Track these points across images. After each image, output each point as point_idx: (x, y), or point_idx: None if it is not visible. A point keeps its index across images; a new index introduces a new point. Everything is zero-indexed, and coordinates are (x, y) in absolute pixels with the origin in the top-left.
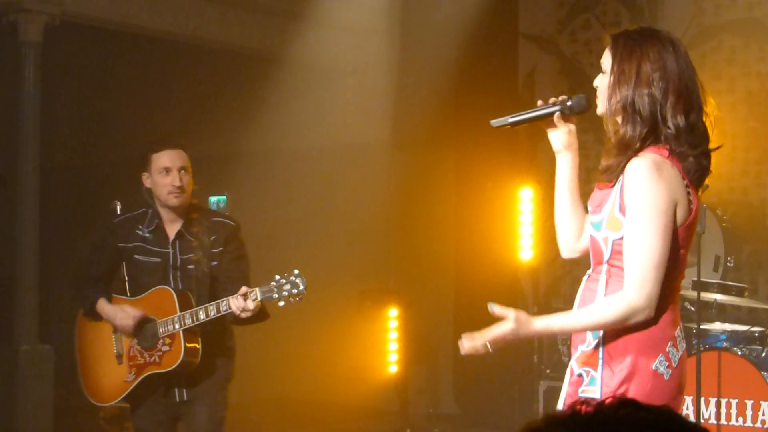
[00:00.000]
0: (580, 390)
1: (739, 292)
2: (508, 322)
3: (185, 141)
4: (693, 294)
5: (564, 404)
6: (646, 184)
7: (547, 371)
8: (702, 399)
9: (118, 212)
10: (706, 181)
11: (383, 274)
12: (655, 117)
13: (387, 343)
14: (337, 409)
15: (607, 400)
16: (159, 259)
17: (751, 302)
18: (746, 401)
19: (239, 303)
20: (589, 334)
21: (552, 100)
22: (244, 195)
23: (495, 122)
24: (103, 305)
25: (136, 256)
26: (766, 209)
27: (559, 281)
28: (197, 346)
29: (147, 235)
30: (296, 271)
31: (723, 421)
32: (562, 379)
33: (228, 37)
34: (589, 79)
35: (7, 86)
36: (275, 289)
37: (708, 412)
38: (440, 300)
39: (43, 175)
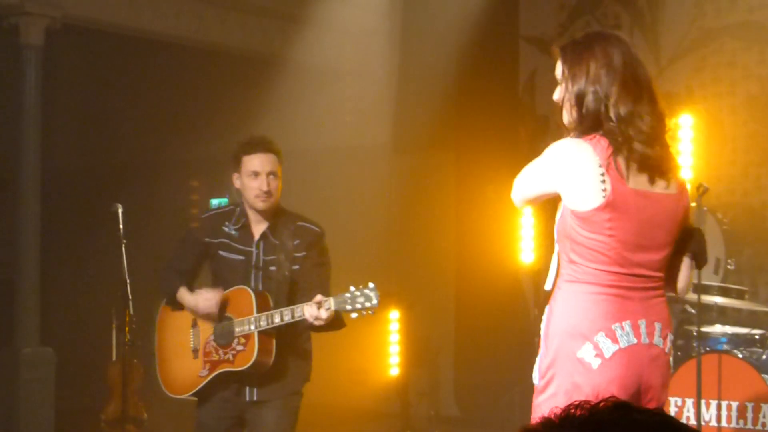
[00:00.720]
0: (533, 373)
1: (739, 295)
2: None
3: (278, 146)
4: (694, 297)
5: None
6: (542, 155)
7: None
8: (703, 401)
9: (120, 214)
10: (706, 183)
11: (384, 277)
12: (598, 111)
13: (388, 346)
14: (338, 412)
15: (602, 403)
16: (242, 258)
17: (752, 305)
18: (747, 404)
19: (313, 311)
20: (544, 317)
21: None
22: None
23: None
24: (183, 294)
25: (220, 252)
26: (767, 212)
27: None
28: (271, 348)
29: (233, 232)
30: (371, 285)
31: (724, 423)
32: None
33: (229, 40)
34: None
35: (9, 89)
36: (349, 300)
37: (709, 415)
38: (441, 302)
39: (45, 178)
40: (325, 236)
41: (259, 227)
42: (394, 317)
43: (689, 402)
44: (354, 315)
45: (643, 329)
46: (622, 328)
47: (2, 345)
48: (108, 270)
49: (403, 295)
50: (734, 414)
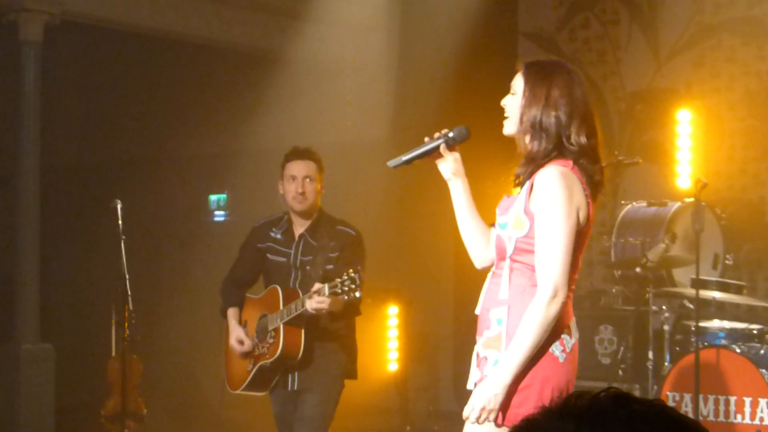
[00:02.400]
0: (485, 370)
1: (737, 290)
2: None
3: (317, 155)
4: (692, 291)
5: (474, 385)
6: (556, 191)
7: None
8: (701, 396)
9: (119, 211)
10: (704, 178)
11: (383, 272)
12: (559, 136)
13: (387, 341)
14: (338, 407)
15: (601, 394)
16: (284, 259)
17: (750, 300)
18: (744, 398)
19: (311, 302)
20: (493, 320)
21: (436, 134)
22: (245, 193)
23: (391, 163)
24: (230, 316)
25: (268, 256)
26: (765, 207)
27: None
28: (298, 339)
29: (279, 236)
30: (351, 270)
31: (722, 418)
32: None
33: (228, 36)
34: (588, 77)
35: (8, 86)
36: (339, 285)
37: (707, 410)
38: (440, 298)
39: (44, 175)
40: (362, 240)
41: (299, 230)
42: (393, 312)
43: (687, 397)
44: (345, 297)
45: (576, 324)
46: (574, 324)
47: (2, 341)
48: (107, 266)
49: (402, 290)
50: (732, 409)
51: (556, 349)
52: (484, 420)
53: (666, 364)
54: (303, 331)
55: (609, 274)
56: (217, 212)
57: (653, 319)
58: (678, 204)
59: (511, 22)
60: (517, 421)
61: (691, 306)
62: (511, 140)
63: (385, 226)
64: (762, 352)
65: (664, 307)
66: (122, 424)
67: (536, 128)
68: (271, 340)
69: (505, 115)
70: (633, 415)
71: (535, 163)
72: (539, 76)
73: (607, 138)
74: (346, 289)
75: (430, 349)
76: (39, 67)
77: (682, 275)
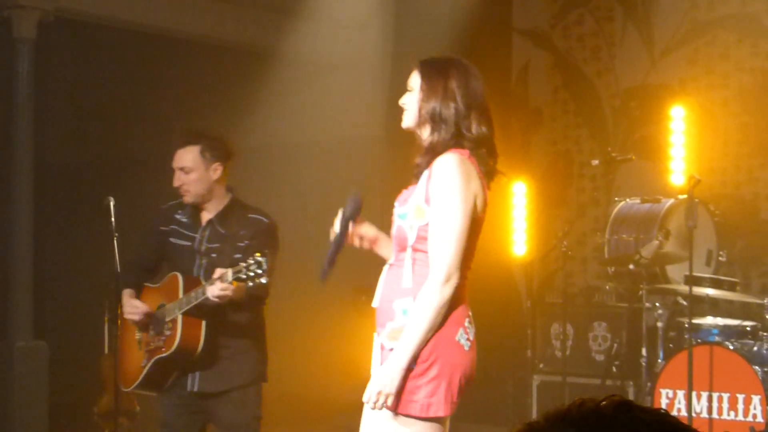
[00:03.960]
0: None
1: (731, 287)
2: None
3: (204, 136)
4: (685, 288)
5: None
6: (452, 176)
7: (541, 366)
8: (694, 393)
9: (112, 208)
10: (698, 175)
11: (377, 270)
12: (458, 126)
13: None
14: (331, 404)
15: (603, 401)
16: (188, 243)
17: (744, 296)
18: (738, 395)
19: (213, 289)
20: (398, 311)
21: (335, 222)
22: (239, 190)
23: (321, 276)
24: (124, 296)
25: (171, 239)
26: (759, 204)
27: (552, 276)
28: (197, 332)
29: (184, 220)
30: (258, 254)
31: (715, 415)
32: (555, 374)
33: (222, 33)
34: (582, 74)
35: (1, 82)
36: (244, 270)
37: (700, 406)
38: None
39: (38, 172)
40: (276, 228)
41: (207, 216)
42: None
43: (680, 393)
44: (250, 284)
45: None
46: (470, 313)
47: None
48: (100, 264)
49: None
50: (725, 405)
51: (461, 337)
52: (382, 405)
53: (659, 360)
54: (204, 323)
55: (602, 271)
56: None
57: (647, 316)
58: (671, 200)
59: (506, 18)
60: (430, 411)
61: (685, 303)
62: (506, 134)
63: (380, 223)
64: (755, 349)
65: (657, 304)
66: (115, 422)
67: (435, 119)
68: (168, 332)
69: (405, 109)
70: (634, 422)
71: (434, 152)
72: (435, 71)
73: (601, 134)
74: (252, 274)
75: None
76: (32, 64)
77: (676, 272)
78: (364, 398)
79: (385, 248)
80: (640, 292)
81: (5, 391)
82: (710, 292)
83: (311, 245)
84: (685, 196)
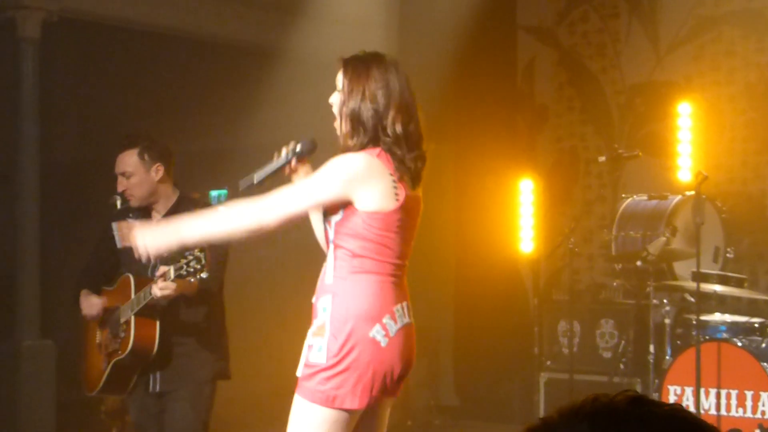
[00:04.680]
0: (311, 357)
1: (738, 283)
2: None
3: (141, 139)
4: (693, 285)
5: (300, 370)
6: (328, 167)
7: (548, 363)
8: (702, 390)
9: (118, 206)
10: (705, 172)
11: None
12: (376, 128)
13: None
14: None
15: (618, 396)
16: None
17: (751, 293)
18: (746, 392)
19: (155, 289)
20: (320, 309)
21: (284, 150)
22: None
23: (241, 183)
24: (81, 296)
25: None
26: (766, 200)
27: (559, 272)
28: (151, 332)
29: (136, 221)
30: (197, 249)
31: (723, 411)
32: (563, 371)
33: (226, 32)
34: (588, 70)
35: (6, 83)
36: (184, 266)
37: (708, 403)
38: (441, 292)
39: (43, 171)
40: None
41: (157, 216)
42: None
43: (689, 390)
44: (191, 279)
45: (407, 309)
46: (401, 309)
47: (3, 338)
48: None
49: None
50: (733, 402)
51: (377, 333)
52: (145, 255)
53: (667, 357)
54: (157, 323)
55: (609, 268)
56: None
57: (654, 313)
58: (678, 197)
59: (510, 16)
60: (335, 402)
61: (692, 299)
62: (512, 132)
63: None
64: (763, 345)
65: (665, 301)
66: (122, 420)
67: (355, 122)
68: (122, 334)
69: (334, 111)
70: (649, 416)
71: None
72: (357, 71)
73: (607, 131)
74: (191, 270)
75: (431, 344)
76: (37, 64)
77: (683, 268)
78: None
79: None
80: (648, 289)
81: (13, 389)
82: (718, 288)
83: (317, 242)
84: (692, 192)
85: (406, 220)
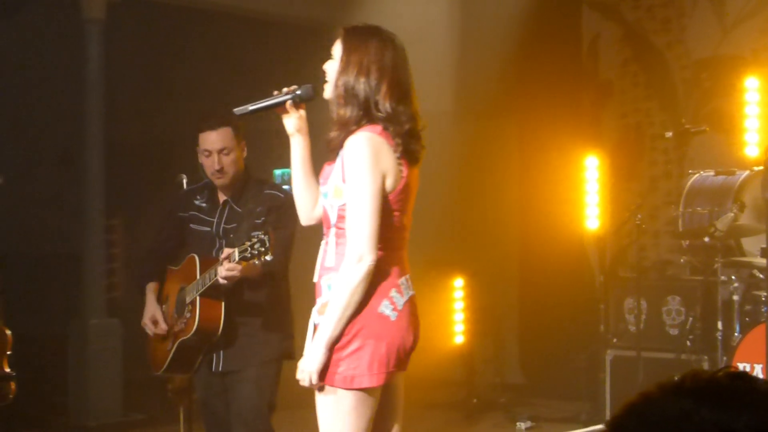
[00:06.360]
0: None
1: None
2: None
3: (232, 116)
4: (762, 261)
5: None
6: (361, 157)
7: (614, 340)
8: None
9: (184, 186)
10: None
11: (448, 244)
12: (368, 102)
13: (453, 314)
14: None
15: (719, 372)
16: (208, 228)
17: None
18: None
19: (221, 270)
20: (324, 287)
21: (285, 90)
22: None
23: (237, 110)
24: (147, 291)
25: (191, 225)
26: None
27: (625, 250)
28: (216, 312)
29: (203, 205)
30: (261, 232)
31: None
32: (629, 348)
33: (290, 10)
34: (652, 46)
35: (71, 64)
36: (248, 248)
37: None
38: (505, 269)
39: (108, 152)
40: (293, 202)
41: (223, 197)
42: (458, 285)
43: (758, 367)
44: (256, 262)
45: (409, 281)
46: (405, 282)
47: (72, 317)
48: None
49: (467, 262)
50: None
51: (385, 308)
52: (308, 382)
53: (735, 334)
54: (222, 303)
55: (676, 245)
56: (282, 186)
57: (722, 290)
58: (746, 172)
59: None
60: (353, 383)
61: (761, 276)
62: (577, 107)
63: (450, 198)
64: None
65: (733, 277)
66: (189, 399)
67: (348, 94)
68: (188, 315)
69: (326, 79)
70: (755, 394)
71: (346, 129)
72: (355, 43)
73: (672, 107)
74: (256, 252)
75: (496, 321)
76: (102, 44)
77: (752, 244)
78: (297, 376)
79: (296, 145)
80: (715, 266)
81: (81, 368)
82: None
83: None
84: (760, 167)
85: (408, 196)
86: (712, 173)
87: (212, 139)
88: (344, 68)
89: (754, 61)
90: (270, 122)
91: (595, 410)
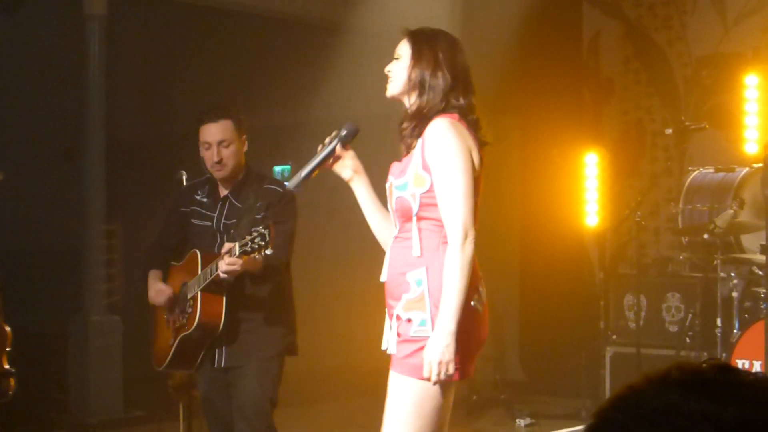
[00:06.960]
0: (412, 331)
1: None
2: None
3: (233, 109)
4: (761, 258)
5: (397, 348)
6: (448, 138)
7: (614, 337)
8: None
9: (184, 182)
10: None
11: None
12: (445, 93)
13: None
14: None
15: (703, 364)
16: (209, 224)
17: None
18: None
19: (222, 264)
20: (412, 282)
21: (327, 139)
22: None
23: (292, 184)
24: (150, 278)
25: (192, 221)
26: None
27: (625, 246)
28: (217, 308)
29: (204, 200)
30: (262, 226)
31: None
32: (629, 345)
33: (291, 8)
34: (653, 43)
35: (73, 60)
36: (249, 243)
37: None
38: (506, 266)
39: (109, 148)
40: (294, 197)
41: (224, 192)
42: None
43: (757, 364)
44: (256, 256)
45: None
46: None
47: (72, 313)
48: None
49: None
50: None
51: (476, 302)
52: (445, 374)
53: (735, 331)
54: (224, 298)
55: (676, 241)
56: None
57: (721, 286)
58: (746, 169)
59: None
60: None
61: (761, 272)
62: (578, 105)
63: None
64: None
65: (732, 274)
66: (189, 396)
67: (424, 86)
68: (189, 310)
69: (390, 78)
70: (741, 386)
71: (422, 116)
72: (425, 40)
73: (673, 104)
74: (256, 246)
75: (496, 318)
76: (103, 41)
77: (751, 241)
78: (425, 373)
79: (359, 185)
80: (715, 262)
81: (81, 364)
82: None
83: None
84: (759, 164)
85: (480, 182)
86: (712, 170)
87: (212, 131)
88: (418, 62)
89: (754, 59)
90: (270, 118)
91: (595, 407)
